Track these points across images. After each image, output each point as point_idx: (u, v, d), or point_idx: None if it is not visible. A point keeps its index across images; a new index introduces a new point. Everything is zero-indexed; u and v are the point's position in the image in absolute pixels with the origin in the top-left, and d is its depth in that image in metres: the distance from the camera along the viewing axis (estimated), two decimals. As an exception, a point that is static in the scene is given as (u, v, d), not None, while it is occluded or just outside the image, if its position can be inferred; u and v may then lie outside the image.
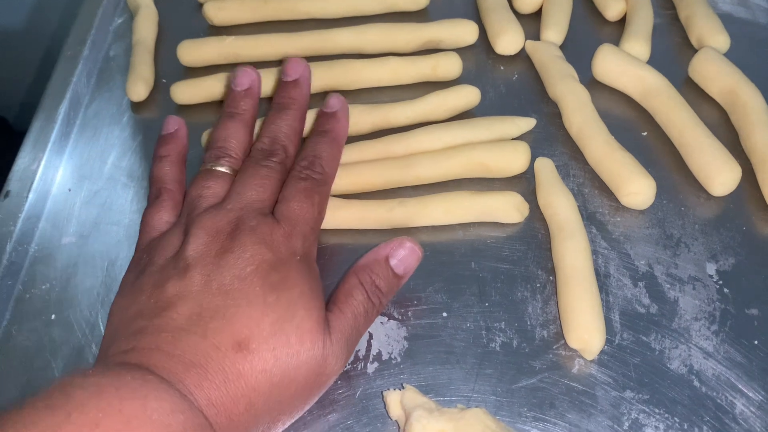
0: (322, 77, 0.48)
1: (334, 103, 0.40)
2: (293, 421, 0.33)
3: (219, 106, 0.49)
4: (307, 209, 0.35)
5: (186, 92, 0.48)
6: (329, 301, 0.34)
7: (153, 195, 0.38)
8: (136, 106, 0.50)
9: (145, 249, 0.35)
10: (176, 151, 0.40)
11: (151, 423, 0.25)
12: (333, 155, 0.39)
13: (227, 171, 0.37)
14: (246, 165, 0.37)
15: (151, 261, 0.34)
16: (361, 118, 0.46)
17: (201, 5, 0.54)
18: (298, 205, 0.35)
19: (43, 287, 0.41)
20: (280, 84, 0.40)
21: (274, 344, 0.30)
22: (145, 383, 0.27)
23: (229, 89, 0.41)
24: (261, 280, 0.31)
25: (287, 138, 0.38)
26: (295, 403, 0.32)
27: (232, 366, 0.30)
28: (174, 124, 0.41)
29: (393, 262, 0.35)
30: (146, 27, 0.53)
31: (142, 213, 0.38)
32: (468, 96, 0.46)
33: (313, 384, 0.32)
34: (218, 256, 0.32)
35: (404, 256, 0.36)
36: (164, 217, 0.37)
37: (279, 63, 0.49)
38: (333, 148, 0.39)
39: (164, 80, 0.51)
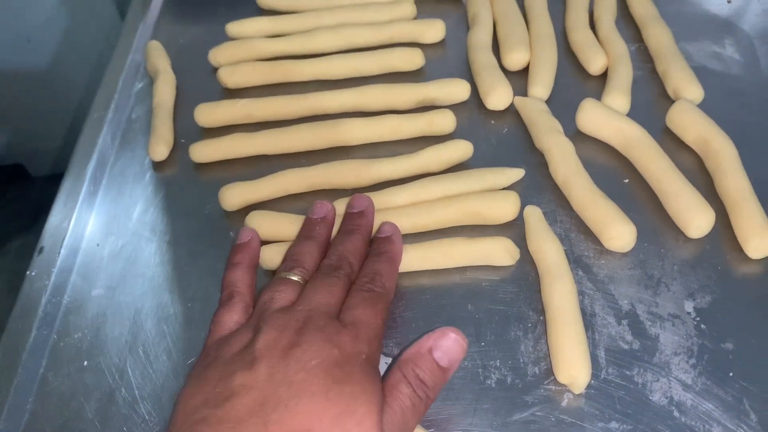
0: (327, 134, 0.52)
1: (388, 228, 0.44)
2: None
3: (234, 164, 0.53)
4: (371, 316, 0.36)
5: (203, 152, 0.52)
6: None
7: (225, 298, 0.40)
8: (157, 165, 0.54)
9: (214, 345, 0.37)
10: (249, 259, 0.42)
11: None
12: (391, 273, 0.41)
13: (299, 280, 0.39)
14: (316, 276, 0.39)
15: (219, 355, 0.35)
16: (363, 171, 0.49)
17: (216, 70, 0.59)
18: (362, 311, 0.36)
19: (76, 336, 0.44)
20: (347, 214, 0.45)
21: None
22: None
23: (307, 217, 0.45)
24: (325, 374, 0.32)
25: (353, 256, 0.41)
26: None
27: None
28: (248, 234, 0.44)
29: (437, 354, 0.36)
30: (165, 91, 0.57)
31: (213, 315, 0.39)
32: (462, 150, 0.50)
33: None
34: (285, 350, 0.33)
35: (448, 348, 0.36)
36: (234, 317, 0.38)
37: (289, 123, 0.54)
38: (391, 267, 0.41)
39: (183, 140, 0.55)
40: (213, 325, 0.39)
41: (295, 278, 0.39)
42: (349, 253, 0.41)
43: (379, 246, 0.43)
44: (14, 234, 1.29)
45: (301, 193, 0.50)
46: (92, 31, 1.25)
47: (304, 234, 0.44)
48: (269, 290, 0.39)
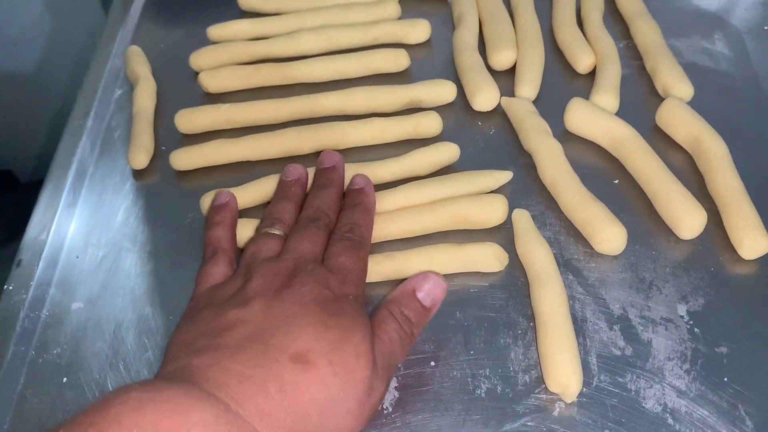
0: (311, 138, 0.51)
1: (360, 181, 0.45)
2: None
3: (216, 170, 0.52)
4: (354, 262, 0.39)
5: (184, 159, 0.51)
6: None
7: (209, 254, 0.42)
8: (137, 174, 0.53)
9: (204, 294, 0.38)
10: (229, 218, 0.44)
11: None
12: (367, 223, 0.43)
13: (280, 234, 0.41)
14: (296, 228, 0.41)
15: (211, 301, 0.37)
16: (348, 175, 0.48)
17: (197, 74, 0.58)
18: (346, 258, 0.39)
19: (55, 352, 0.43)
20: (319, 170, 0.46)
21: (332, 358, 0.32)
22: (188, 397, 0.28)
23: (280, 180, 0.46)
24: (320, 308, 0.34)
25: (329, 208, 0.43)
26: (347, 424, 0.33)
27: (290, 377, 0.31)
28: (225, 195, 0.45)
29: (420, 294, 0.38)
30: (145, 97, 0.56)
31: (199, 270, 0.41)
32: (448, 152, 0.49)
33: (363, 406, 0.33)
34: (278, 290, 0.35)
35: (430, 288, 0.39)
36: (222, 269, 0.40)
37: (272, 127, 0.53)
38: (366, 217, 0.43)
39: (164, 147, 0.54)
40: (200, 278, 0.40)
41: (277, 232, 0.41)
42: (325, 205, 0.43)
43: (354, 198, 0.44)
44: (7, 242, 1.28)
45: (285, 200, 0.49)
46: (80, 34, 1.24)
47: (280, 195, 0.45)
48: (254, 244, 0.40)
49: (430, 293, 0.39)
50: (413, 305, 0.38)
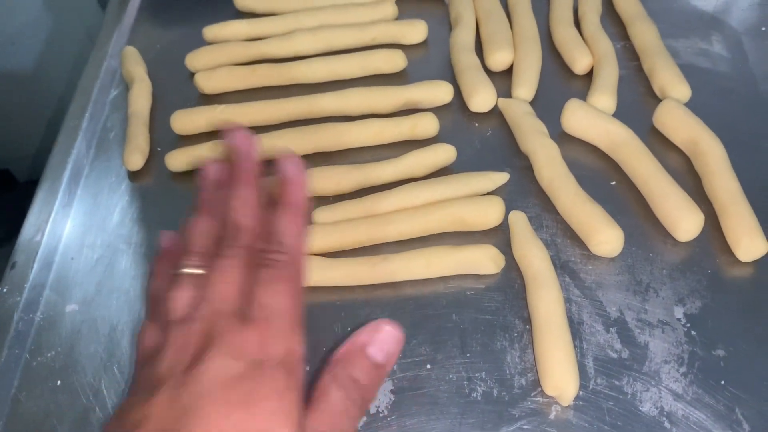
0: (308, 140, 0.51)
1: (290, 168, 0.36)
2: None
3: (211, 171, 0.51)
4: (278, 301, 0.31)
5: (179, 160, 0.51)
6: (306, 397, 0.31)
7: (147, 309, 0.35)
8: (132, 175, 0.52)
9: (138, 364, 0.33)
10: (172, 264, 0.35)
11: None
12: (296, 228, 0.34)
13: (193, 272, 0.33)
14: (213, 261, 0.32)
15: (136, 379, 0.31)
16: (345, 177, 0.48)
17: (193, 75, 0.57)
18: (269, 298, 0.31)
19: (49, 354, 0.43)
20: (231, 162, 0.37)
21: None
22: None
23: (200, 182, 0.37)
24: (224, 398, 0.28)
25: (244, 216, 0.33)
26: None
27: None
28: (168, 239, 0.37)
29: (371, 350, 0.32)
30: (141, 98, 0.56)
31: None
32: (445, 154, 0.49)
33: None
34: (186, 371, 0.29)
35: (382, 341, 0.33)
36: (154, 333, 0.33)
37: (268, 128, 0.52)
38: (293, 219, 0.34)
39: (159, 148, 0.54)
40: (137, 341, 0.33)
41: (192, 271, 0.32)
42: (239, 214, 0.33)
43: (281, 194, 0.35)
44: (5, 241, 1.27)
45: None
46: (78, 33, 1.23)
47: (195, 207, 0.35)
48: (169, 296, 0.32)
49: (383, 348, 0.33)
50: (363, 364, 0.32)
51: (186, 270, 0.33)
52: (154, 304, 0.34)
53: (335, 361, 0.32)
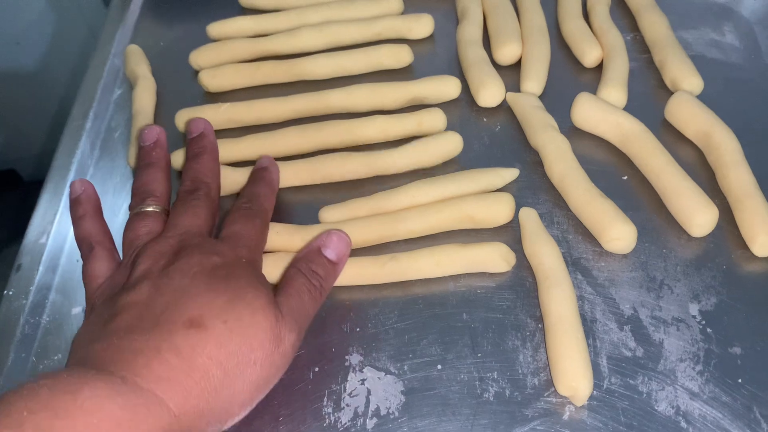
0: (314, 137, 0.50)
1: (264, 160, 0.46)
2: (259, 399, 0.35)
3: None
4: (249, 229, 0.39)
5: (183, 159, 0.50)
6: (275, 292, 0.37)
7: (85, 252, 0.40)
8: (138, 175, 0.52)
9: (94, 294, 0.37)
10: (91, 209, 0.42)
11: (82, 411, 0.27)
12: (268, 194, 0.43)
13: (156, 210, 0.40)
14: (176, 203, 0.40)
15: (105, 297, 0.36)
16: (349, 162, 0.48)
17: (197, 73, 0.57)
18: (240, 226, 0.39)
19: (55, 358, 0.43)
20: (189, 140, 0.45)
21: (226, 318, 0.33)
22: (80, 377, 0.29)
23: (139, 146, 0.44)
24: (208, 276, 0.34)
25: (206, 176, 0.42)
26: (256, 375, 0.33)
27: (184, 341, 0.32)
28: (80, 186, 0.43)
29: (326, 251, 0.39)
30: (145, 97, 0.55)
31: (81, 271, 0.39)
32: (452, 142, 0.48)
33: (271, 356, 0.34)
34: (164, 268, 0.35)
35: (335, 244, 0.40)
36: (104, 265, 0.39)
37: (274, 126, 0.52)
38: (268, 188, 0.43)
39: (164, 148, 0.53)
40: (85, 279, 0.39)
41: (150, 209, 0.40)
42: (202, 174, 0.42)
43: (255, 174, 0.45)
44: (12, 241, 1.28)
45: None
46: (82, 31, 1.23)
47: (142, 163, 0.43)
48: (130, 229, 0.39)
49: (335, 249, 0.40)
50: (320, 260, 0.39)
51: (145, 208, 0.40)
52: (90, 243, 0.40)
53: (296, 259, 0.39)
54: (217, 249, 0.36)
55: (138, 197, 0.41)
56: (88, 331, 0.34)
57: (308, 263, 0.39)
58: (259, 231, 0.40)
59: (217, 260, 0.35)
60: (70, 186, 0.43)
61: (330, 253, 0.39)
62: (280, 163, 0.48)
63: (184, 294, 0.33)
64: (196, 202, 0.40)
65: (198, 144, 0.44)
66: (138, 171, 0.43)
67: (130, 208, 0.41)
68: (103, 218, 0.42)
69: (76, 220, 0.42)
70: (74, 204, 0.42)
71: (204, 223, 0.39)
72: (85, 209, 0.42)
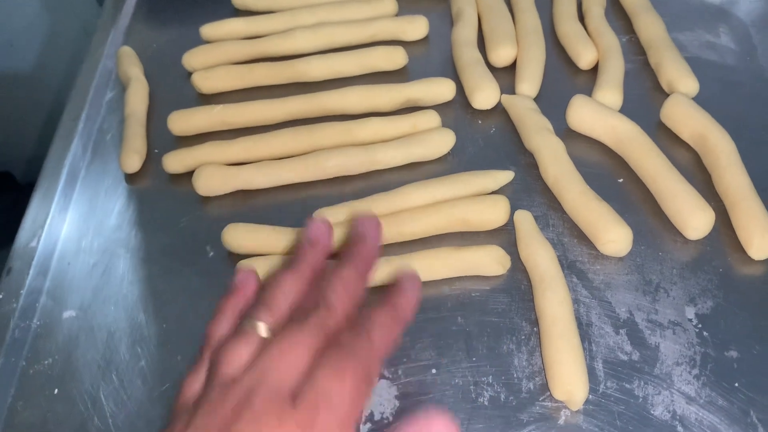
0: (307, 139, 0.50)
1: (407, 284, 0.33)
2: None
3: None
4: (337, 387, 0.27)
5: (177, 162, 0.50)
6: None
7: (198, 355, 0.32)
8: (130, 177, 0.51)
9: (175, 413, 0.30)
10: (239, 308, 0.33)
11: None
12: (389, 328, 0.31)
13: (263, 333, 0.30)
14: (285, 326, 0.30)
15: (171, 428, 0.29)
16: (343, 155, 0.48)
17: (190, 74, 0.56)
18: (327, 382, 0.27)
19: (46, 362, 0.42)
20: (348, 240, 0.34)
21: None
22: None
23: (297, 240, 0.35)
24: None
25: (338, 295, 0.31)
26: None
27: None
28: (247, 275, 0.34)
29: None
30: (137, 99, 0.55)
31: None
32: (444, 138, 0.49)
33: None
34: None
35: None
36: (196, 385, 0.30)
37: (267, 128, 0.51)
38: (391, 320, 0.31)
39: (156, 150, 0.53)
40: (181, 386, 0.31)
41: (259, 333, 0.30)
42: (333, 290, 0.31)
43: (389, 295, 0.33)
44: (4, 244, 1.27)
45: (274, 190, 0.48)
46: (76, 32, 1.23)
47: (288, 262, 0.33)
48: (225, 346, 0.30)
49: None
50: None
51: (253, 327, 0.30)
52: (209, 342, 0.31)
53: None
54: (284, 427, 0.26)
55: (257, 306, 0.31)
56: None
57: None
58: (352, 389, 0.28)
59: None
60: (239, 268, 0.35)
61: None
62: (275, 162, 0.47)
63: None
64: (301, 335, 0.29)
65: (351, 249, 0.33)
66: (280, 269, 0.33)
67: (240, 314, 0.32)
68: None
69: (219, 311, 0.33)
70: (230, 294, 0.33)
71: (297, 368, 0.28)
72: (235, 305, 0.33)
